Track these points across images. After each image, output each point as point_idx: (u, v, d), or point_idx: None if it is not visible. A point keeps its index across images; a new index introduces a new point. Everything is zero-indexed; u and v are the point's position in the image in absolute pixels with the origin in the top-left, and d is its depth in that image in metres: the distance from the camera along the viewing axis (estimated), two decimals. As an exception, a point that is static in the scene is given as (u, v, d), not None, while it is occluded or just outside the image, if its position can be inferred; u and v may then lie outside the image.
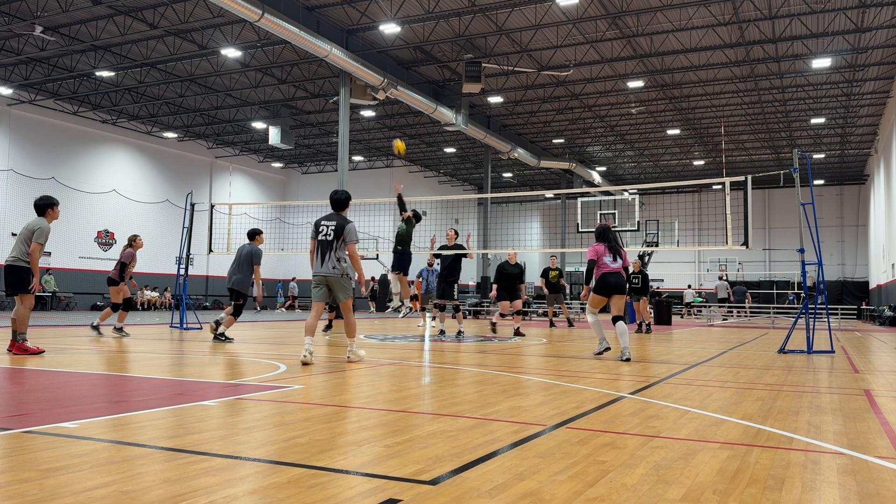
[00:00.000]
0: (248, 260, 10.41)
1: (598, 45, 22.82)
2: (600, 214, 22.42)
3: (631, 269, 15.46)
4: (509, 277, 12.80)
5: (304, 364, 6.93)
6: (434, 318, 14.96)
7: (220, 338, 10.15)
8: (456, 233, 12.39)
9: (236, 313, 10.35)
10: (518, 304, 12.89)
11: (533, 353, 9.23)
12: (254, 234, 10.77)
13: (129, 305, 11.46)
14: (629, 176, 44.92)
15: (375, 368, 6.88)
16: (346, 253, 7.30)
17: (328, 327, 13.16)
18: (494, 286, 12.92)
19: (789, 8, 19.76)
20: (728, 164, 37.53)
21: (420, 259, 14.63)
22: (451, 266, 12.22)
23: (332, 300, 7.53)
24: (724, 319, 25.90)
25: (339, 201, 7.51)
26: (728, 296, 28.85)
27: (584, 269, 45.38)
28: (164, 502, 2.33)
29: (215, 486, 2.54)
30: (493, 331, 12.76)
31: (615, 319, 8.42)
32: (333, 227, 7.27)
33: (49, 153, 28.66)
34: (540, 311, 28.54)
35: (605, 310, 8.69)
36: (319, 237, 7.33)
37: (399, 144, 11.35)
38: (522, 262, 13.17)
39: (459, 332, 12.12)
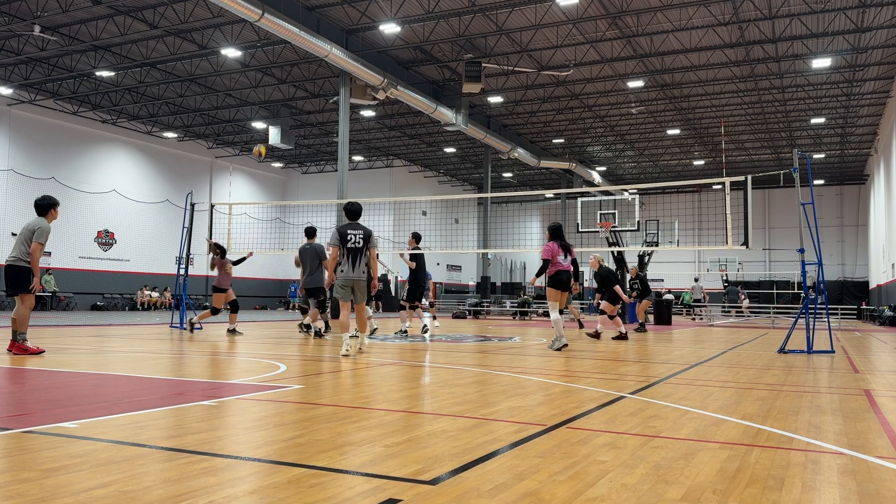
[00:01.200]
0: (316, 259, 11.49)
1: (598, 45, 22.82)
2: (600, 214, 22.39)
3: (629, 276, 15.46)
4: (603, 281, 12.94)
5: (345, 356, 7.77)
6: (433, 318, 15.20)
7: (319, 334, 11.27)
8: (414, 238, 12.59)
9: (321, 308, 11.63)
10: (606, 305, 12.78)
11: (533, 353, 9.23)
12: (312, 233, 11.82)
13: (236, 306, 12.42)
14: (629, 176, 44.92)
15: (375, 368, 6.88)
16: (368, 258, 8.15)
17: (327, 328, 13.12)
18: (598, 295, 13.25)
19: (789, 8, 19.76)
20: (728, 164, 37.53)
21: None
22: (415, 269, 12.53)
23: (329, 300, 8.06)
24: (692, 319, 26.41)
25: (358, 212, 8.33)
26: (703, 297, 29.30)
27: (583, 268, 45.69)
28: (164, 502, 2.33)
29: (215, 486, 2.54)
30: (624, 336, 12.43)
31: (559, 312, 9.49)
32: (362, 235, 8.10)
33: (49, 153, 28.66)
34: (540, 311, 28.55)
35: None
36: (349, 245, 8.04)
37: (261, 149, 12.58)
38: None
39: (405, 330, 12.24)
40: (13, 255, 7.57)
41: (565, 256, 9.36)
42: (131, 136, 32.31)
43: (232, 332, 11.99)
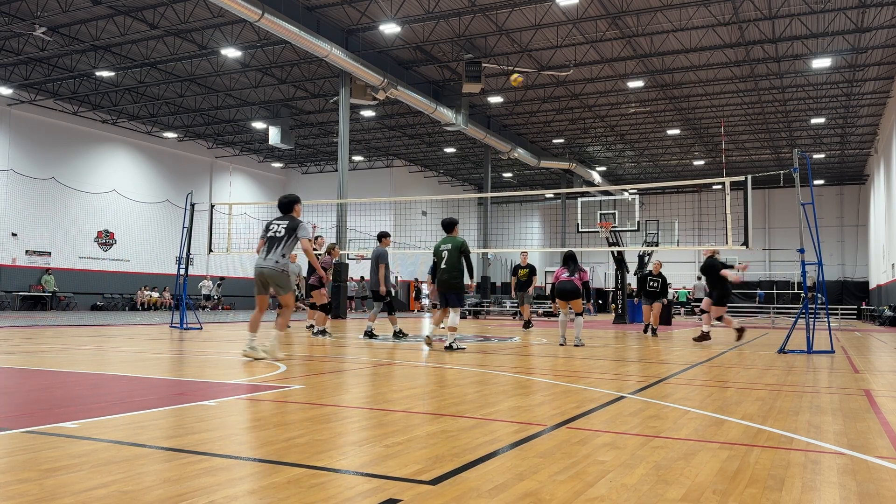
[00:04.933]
0: (375, 262, 11.15)
1: (598, 45, 22.82)
2: (600, 214, 22.36)
3: (651, 271, 14.57)
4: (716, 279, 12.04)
5: (246, 356, 7.36)
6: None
7: (399, 336, 11.22)
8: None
9: (390, 310, 11.55)
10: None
11: (533, 353, 9.23)
12: (381, 237, 11.48)
13: (327, 308, 11.93)
14: (629, 176, 44.91)
15: (375, 368, 6.88)
16: (293, 252, 7.75)
17: (323, 332, 12.46)
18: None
19: (789, 8, 19.76)
20: (728, 164, 37.53)
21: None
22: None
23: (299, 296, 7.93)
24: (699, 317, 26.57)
25: (288, 203, 7.87)
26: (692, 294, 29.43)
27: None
28: (164, 502, 2.33)
29: (215, 486, 2.53)
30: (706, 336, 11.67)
31: (575, 315, 10.61)
32: (285, 226, 7.66)
33: (49, 153, 28.65)
34: (540, 311, 28.57)
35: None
36: (269, 234, 7.67)
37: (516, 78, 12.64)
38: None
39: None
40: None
41: (571, 273, 10.64)
42: (131, 136, 32.29)
43: (323, 333, 11.51)
